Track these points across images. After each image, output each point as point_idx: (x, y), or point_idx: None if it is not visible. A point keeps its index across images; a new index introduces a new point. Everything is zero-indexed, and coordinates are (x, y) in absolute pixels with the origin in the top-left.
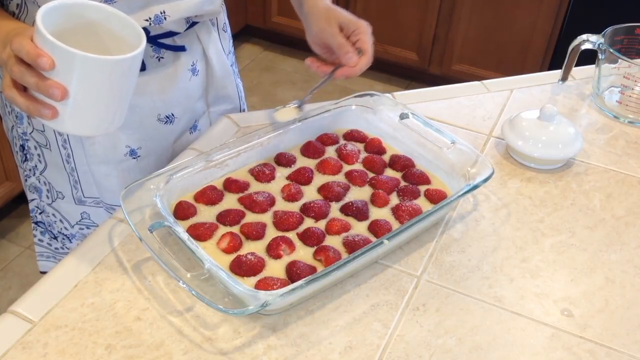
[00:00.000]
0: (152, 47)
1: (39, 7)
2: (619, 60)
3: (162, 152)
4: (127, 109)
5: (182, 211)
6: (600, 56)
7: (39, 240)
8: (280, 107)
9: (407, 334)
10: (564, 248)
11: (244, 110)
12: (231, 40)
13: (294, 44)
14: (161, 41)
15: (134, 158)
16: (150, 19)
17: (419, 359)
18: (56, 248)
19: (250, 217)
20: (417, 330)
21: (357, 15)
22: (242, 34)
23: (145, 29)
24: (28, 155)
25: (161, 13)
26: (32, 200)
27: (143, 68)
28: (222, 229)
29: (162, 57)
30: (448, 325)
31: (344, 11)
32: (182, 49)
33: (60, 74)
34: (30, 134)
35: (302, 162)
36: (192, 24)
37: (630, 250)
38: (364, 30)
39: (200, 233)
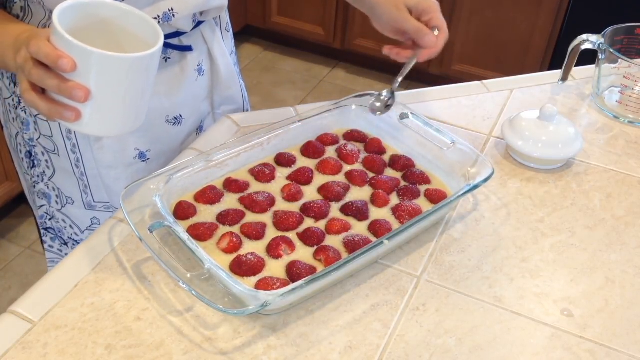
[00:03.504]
0: None
1: (45, 9)
2: (619, 60)
3: (170, 154)
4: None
5: (182, 211)
6: (600, 56)
7: (49, 246)
8: (375, 101)
9: (407, 334)
10: (564, 248)
11: (247, 111)
12: (233, 40)
13: (294, 44)
14: (168, 41)
15: (143, 161)
16: (158, 16)
17: (419, 359)
18: (67, 254)
19: (250, 217)
20: (417, 330)
21: (357, 15)
22: (242, 34)
23: None
24: (35, 162)
25: (169, 10)
26: (41, 206)
27: None
28: (222, 229)
29: (169, 58)
30: (448, 325)
31: None
32: (188, 48)
33: (81, 75)
34: (37, 140)
35: (302, 162)
36: (197, 23)
37: (630, 250)
38: (435, 8)
39: (200, 233)
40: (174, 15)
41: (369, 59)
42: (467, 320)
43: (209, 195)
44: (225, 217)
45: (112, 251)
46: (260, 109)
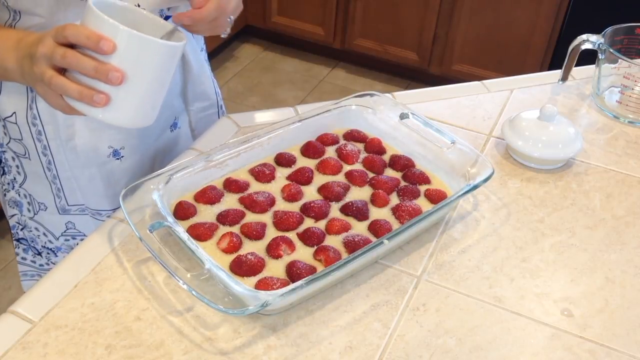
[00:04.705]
0: None
1: (10, 9)
2: (619, 60)
3: (145, 150)
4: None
5: (182, 211)
6: (600, 56)
7: (22, 258)
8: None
9: (407, 334)
10: (564, 248)
11: (221, 107)
12: (203, 37)
13: (294, 44)
14: None
15: (118, 159)
16: None
17: (419, 359)
18: (41, 265)
19: (250, 217)
20: (417, 330)
21: (357, 15)
22: (242, 34)
23: None
24: (6, 168)
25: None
26: (13, 215)
27: None
28: (222, 229)
29: None
30: (448, 325)
31: None
32: None
33: (115, 58)
34: (7, 144)
35: (302, 162)
36: (165, 18)
37: (630, 250)
38: None
39: (200, 233)
40: None
41: (369, 59)
42: (467, 320)
43: (209, 195)
44: (225, 217)
45: (112, 251)
46: (260, 109)
